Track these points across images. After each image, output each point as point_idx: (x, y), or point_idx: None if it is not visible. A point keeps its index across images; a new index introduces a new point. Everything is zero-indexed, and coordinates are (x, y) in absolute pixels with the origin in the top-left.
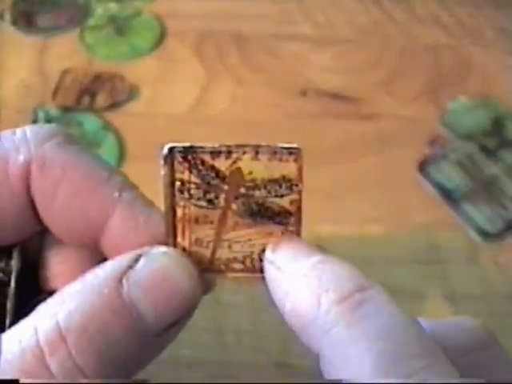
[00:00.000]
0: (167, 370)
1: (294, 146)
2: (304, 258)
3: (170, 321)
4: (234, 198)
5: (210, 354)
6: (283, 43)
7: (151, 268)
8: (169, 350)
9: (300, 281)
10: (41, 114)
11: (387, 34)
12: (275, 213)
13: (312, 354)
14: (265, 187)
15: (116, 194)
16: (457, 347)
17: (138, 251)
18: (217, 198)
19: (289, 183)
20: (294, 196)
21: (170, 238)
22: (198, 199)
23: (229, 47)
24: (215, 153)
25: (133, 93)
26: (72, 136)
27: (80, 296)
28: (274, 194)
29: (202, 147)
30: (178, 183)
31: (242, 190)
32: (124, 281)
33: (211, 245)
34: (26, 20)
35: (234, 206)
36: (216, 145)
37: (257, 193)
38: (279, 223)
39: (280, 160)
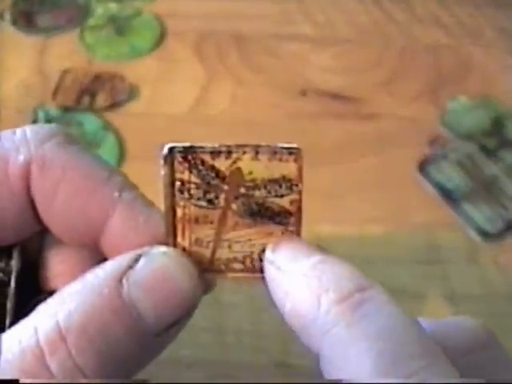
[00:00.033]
0: (167, 370)
1: (294, 146)
2: (304, 257)
3: (170, 321)
4: (234, 198)
5: (210, 354)
6: (283, 43)
7: (151, 268)
8: (169, 349)
9: (300, 281)
10: (41, 114)
11: (387, 34)
12: (275, 213)
13: (312, 354)
14: (265, 187)
15: (116, 194)
16: (457, 347)
17: (138, 251)
18: (217, 197)
19: (289, 183)
20: (294, 196)
21: (170, 238)
22: (198, 199)
23: (229, 47)
24: (215, 153)
25: (133, 93)
26: (72, 136)
27: (80, 296)
28: (274, 193)
29: (201, 147)
30: (177, 183)
31: (242, 190)
32: (124, 281)
33: (211, 245)
34: (26, 20)
35: (233, 206)
36: (216, 145)
37: (257, 193)
38: (279, 223)
39: (280, 160)
